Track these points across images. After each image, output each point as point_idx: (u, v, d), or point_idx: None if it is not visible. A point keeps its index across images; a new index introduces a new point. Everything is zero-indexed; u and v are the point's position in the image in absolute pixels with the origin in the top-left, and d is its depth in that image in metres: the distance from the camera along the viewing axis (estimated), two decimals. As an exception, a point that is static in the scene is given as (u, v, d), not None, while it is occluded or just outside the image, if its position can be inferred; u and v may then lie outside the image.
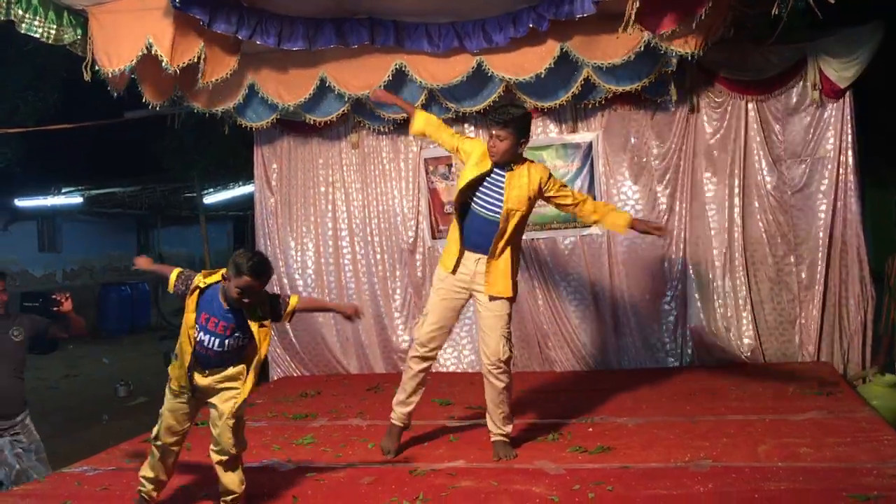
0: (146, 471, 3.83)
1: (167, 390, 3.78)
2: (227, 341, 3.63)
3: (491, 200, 4.37)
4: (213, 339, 3.62)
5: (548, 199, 4.55)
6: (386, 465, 4.40)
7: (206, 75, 5.85)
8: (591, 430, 4.87)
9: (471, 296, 4.52)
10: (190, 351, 3.62)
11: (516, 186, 4.33)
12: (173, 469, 3.89)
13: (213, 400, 3.71)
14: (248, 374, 3.70)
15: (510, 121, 4.27)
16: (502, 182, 4.36)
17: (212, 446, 3.74)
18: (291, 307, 3.79)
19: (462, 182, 4.44)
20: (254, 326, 3.63)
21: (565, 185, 4.61)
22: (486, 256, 4.39)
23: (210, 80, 5.93)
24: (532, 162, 4.50)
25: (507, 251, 4.40)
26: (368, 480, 4.14)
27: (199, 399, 3.75)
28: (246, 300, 3.55)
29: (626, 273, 6.82)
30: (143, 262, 4.07)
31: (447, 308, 4.54)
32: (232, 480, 3.74)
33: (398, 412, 4.64)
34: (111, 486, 4.30)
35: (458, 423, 5.16)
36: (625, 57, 5.92)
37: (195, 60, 5.64)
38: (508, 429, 4.53)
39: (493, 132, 4.30)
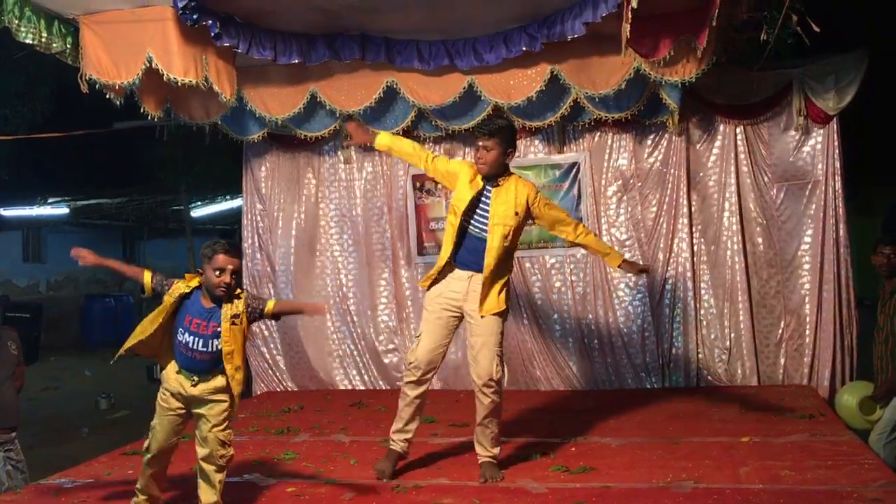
0: (140, 483, 3.85)
1: (157, 403, 3.78)
2: (210, 342, 3.65)
3: (480, 218, 4.35)
4: (196, 339, 3.64)
5: (535, 218, 4.50)
6: (368, 482, 4.37)
7: (227, 91, 5.81)
8: (573, 449, 4.87)
9: (463, 314, 4.44)
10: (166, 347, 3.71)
11: (502, 202, 4.31)
12: (165, 483, 3.94)
13: (201, 410, 3.72)
14: (230, 382, 3.71)
15: (496, 131, 4.28)
16: (489, 198, 4.34)
17: (199, 457, 3.73)
18: (269, 309, 3.78)
19: (462, 204, 4.35)
20: (225, 323, 3.64)
21: (553, 204, 4.58)
22: (478, 274, 4.34)
23: (231, 97, 5.90)
24: (520, 178, 4.49)
25: (499, 267, 4.34)
26: (349, 496, 4.11)
27: (187, 411, 3.76)
28: (227, 281, 3.61)
29: (610, 293, 6.83)
30: (85, 254, 3.75)
31: (442, 327, 4.42)
32: (211, 497, 3.71)
33: (396, 439, 4.49)
34: (88, 499, 4.24)
35: (442, 441, 5.14)
36: (615, 87, 5.98)
37: (206, 73, 5.56)
38: (496, 451, 4.43)
39: (481, 143, 4.28)
